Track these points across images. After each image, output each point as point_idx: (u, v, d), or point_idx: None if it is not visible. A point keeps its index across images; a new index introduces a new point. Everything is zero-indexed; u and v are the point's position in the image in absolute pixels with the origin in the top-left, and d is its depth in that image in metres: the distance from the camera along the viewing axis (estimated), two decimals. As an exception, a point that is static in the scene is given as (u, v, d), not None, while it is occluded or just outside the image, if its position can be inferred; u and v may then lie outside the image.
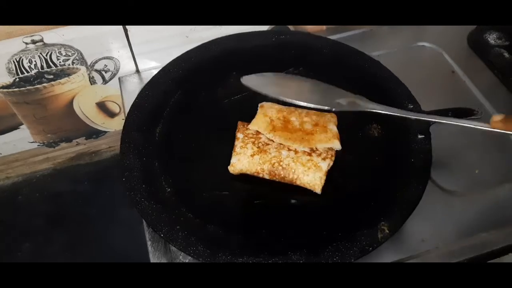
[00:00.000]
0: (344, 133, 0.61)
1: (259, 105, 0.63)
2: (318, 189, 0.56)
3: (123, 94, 0.78)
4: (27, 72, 0.75)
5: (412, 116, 0.58)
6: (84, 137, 0.92)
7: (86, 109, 0.86)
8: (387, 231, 0.50)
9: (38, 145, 0.90)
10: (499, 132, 0.51)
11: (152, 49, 0.78)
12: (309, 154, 0.57)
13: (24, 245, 0.86)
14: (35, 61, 0.74)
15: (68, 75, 0.79)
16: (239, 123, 0.62)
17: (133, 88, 0.77)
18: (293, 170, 0.56)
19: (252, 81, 0.61)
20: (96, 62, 0.78)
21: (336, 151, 0.59)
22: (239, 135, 0.60)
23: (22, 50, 0.72)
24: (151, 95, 0.65)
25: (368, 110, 0.57)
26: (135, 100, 0.64)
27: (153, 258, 0.57)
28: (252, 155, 0.57)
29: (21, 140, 0.87)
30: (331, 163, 0.57)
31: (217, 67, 0.70)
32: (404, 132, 0.60)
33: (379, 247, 0.50)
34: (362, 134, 0.63)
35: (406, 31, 0.82)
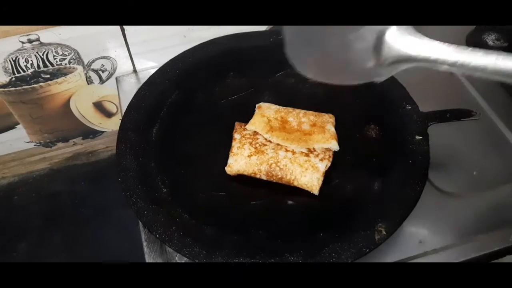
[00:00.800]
0: (342, 133, 0.61)
1: (256, 105, 0.63)
2: (315, 190, 0.56)
3: (120, 94, 0.78)
4: (24, 71, 0.75)
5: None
6: (81, 137, 0.92)
7: (83, 109, 0.86)
8: (384, 233, 0.50)
9: (35, 145, 0.89)
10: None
11: (149, 49, 0.78)
12: (307, 155, 0.57)
13: (20, 245, 0.85)
14: (31, 60, 0.74)
15: (65, 74, 0.78)
16: (236, 123, 0.62)
17: (130, 88, 0.77)
18: (290, 171, 0.56)
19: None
20: (93, 61, 0.78)
21: (334, 152, 0.58)
22: (236, 135, 0.60)
23: (19, 49, 0.72)
24: (148, 95, 0.65)
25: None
26: (131, 100, 0.64)
27: (149, 259, 0.56)
28: (249, 156, 0.57)
29: (18, 139, 0.87)
30: (329, 164, 0.57)
31: (214, 67, 0.69)
32: (402, 133, 0.59)
33: (376, 249, 0.49)
34: (360, 135, 0.63)
35: (404, 31, 0.82)
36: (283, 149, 0.57)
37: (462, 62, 0.41)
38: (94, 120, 0.89)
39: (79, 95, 0.83)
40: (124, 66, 0.80)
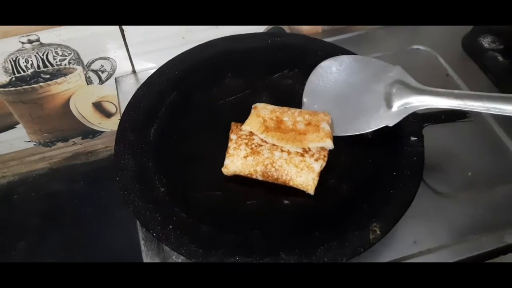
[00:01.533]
0: (337, 134, 0.61)
1: (252, 106, 0.63)
2: (311, 190, 0.56)
3: (119, 95, 0.78)
4: (24, 71, 0.76)
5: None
6: (81, 137, 0.92)
7: (82, 109, 0.86)
8: (378, 232, 0.50)
9: (34, 145, 0.90)
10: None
11: (148, 50, 0.78)
12: (302, 155, 0.57)
13: (19, 244, 0.85)
14: (31, 60, 0.74)
15: (65, 75, 0.79)
16: (233, 124, 0.62)
17: (129, 89, 0.77)
18: (286, 172, 0.56)
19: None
20: (92, 62, 0.78)
21: (329, 152, 0.59)
22: (233, 136, 0.60)
23: (19, 50, 0.72)
24: (147, 95, 0.66)
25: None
26: (130, 100, 0.65)
27: (146, 258, 0.57)
28: (245, 157, 0.57)
29: (17, 139, 0.87)
30: (324, 164, 0.57)
31: (212, 68, 0.70)
32: (397, 134, 0.60)
33: (371, 248, 0.50)
34: (355, 135, 0.63)
35: (401, 34, 0.83)
36: (279, 150, 0.58)
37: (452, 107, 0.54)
38: (94, 120, 0.89)
39: (78, 95, 0.83)
40: (123, 66, 0.80)
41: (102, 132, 0.93)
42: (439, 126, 0.61)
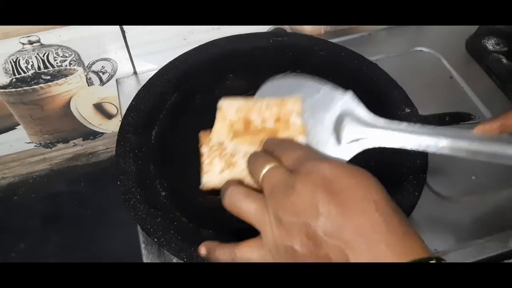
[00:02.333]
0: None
1: (217, 104, 0.55)
2: None
3: (120, 96, 0.78)
4: (24, 72, 0.75)
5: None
6: (81, 138, 0.92)
7: (83, 110, 0.86)
8: (382, 237, 0.50)
9: (35, 146, 0.90)
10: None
11: (149, 51, 0.78)
12: None
13: (19, 245, 0.85)
14: (32, 61, 0.74)
15: (65, 76, 0.78)
16: (201, 133, 0.55)
17: (130, 90, 0.77)
18: None
19: None
20: (93, 63, 0.78)
21: None
22: (204, 149, 0.53)
23: (19, 51, 0.72)
24: (148, 97, 0.65)
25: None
26: (131, 102, 0.64)
27: (147, 260, 0.56)
28: (220, 172, 0.51)
29: (18, 140, 0.87)
30: None
31: (214, 69, 0.69)
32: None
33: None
34: (358, 138, 0.63)
35: (404, 35, 0.82)
36: None
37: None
38: (94, 121, 0.89)
39: (79, 96, 0.83)
40: (124, 68, 0.80)
41: (103, 133, 0.92)
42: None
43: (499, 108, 0.70)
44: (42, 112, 0.83)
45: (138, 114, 0.63)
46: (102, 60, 0.78)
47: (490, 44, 0.78)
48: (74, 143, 0.92)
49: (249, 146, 0.51)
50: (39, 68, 0.75)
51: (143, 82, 0.67)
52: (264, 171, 0.41)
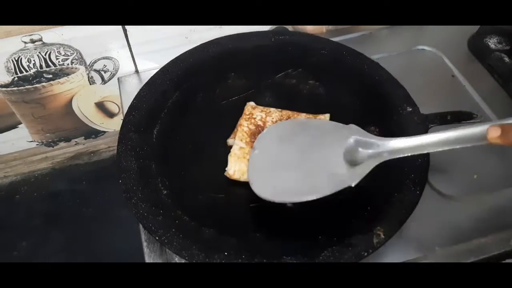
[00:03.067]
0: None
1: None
2: None
3: (122, 95, 0.78)
4: (26, 71, 0.75)
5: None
6: (83, 137, 0.92)
7: (85, 109, 0.86)
8: (382, 236, 0.50)
9: (37, 144, 0.90)
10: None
11: (151, 50, 0.78)
12: None
13: (21, 244, 0.86)
14: (34, 60, 0.74)
15: (67, 74, 0.78)
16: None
17: (132, 89, 0.77)
18: None
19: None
20: (95, 62, 0.78)
21: None
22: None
23: (21, 49, 0.72)
24: (149, 95, 0.65)
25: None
26: (133, 101, 0.64)
27: (149, 259, 0.56)
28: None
29: (20, 139, 0.87)
30: None
31: (215, 68, 0.69)
32: (402, 135, 0.59)
33: (375, 252, 0.49)
34: (360, 137, 0.63)
35: (406, 34, 0.82)
36: None
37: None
38: (96, 120, 0.89)
39: (81, 95, 0.83)
40: (126, 66, 0.80)
41: (104, 132, 0.92)
42: (444, 127, 0.60)
43: (501, 107, 0.70)
44: (44, 110, 0.83)
45: (139, 113, 0.63)
46: (104, 58, 0.78)
47: (492, 42, 0.78)
48: (76, 141, 0.92)
49: None
50: (41, 66, 0.75)
51: (144, 81, 0.67)
52: None
